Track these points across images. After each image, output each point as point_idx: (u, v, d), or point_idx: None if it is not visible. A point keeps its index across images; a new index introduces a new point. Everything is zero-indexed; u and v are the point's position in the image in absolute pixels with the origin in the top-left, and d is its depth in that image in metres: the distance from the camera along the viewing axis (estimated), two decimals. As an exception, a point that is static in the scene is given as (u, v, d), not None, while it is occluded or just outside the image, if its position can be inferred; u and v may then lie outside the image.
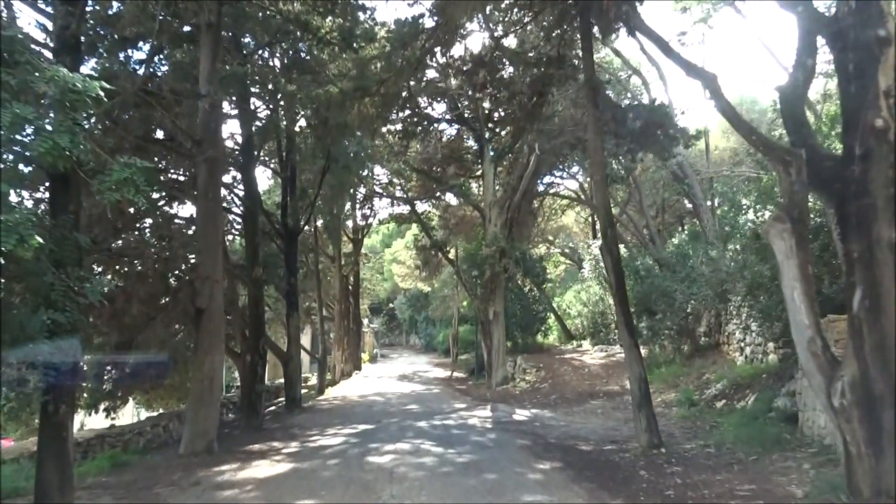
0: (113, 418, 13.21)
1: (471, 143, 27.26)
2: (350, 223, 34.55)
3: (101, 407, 12.91)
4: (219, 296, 10.83)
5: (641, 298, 29.69)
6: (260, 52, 14.15)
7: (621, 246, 32.84)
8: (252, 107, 12.76)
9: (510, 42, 14.93)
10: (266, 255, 17.86)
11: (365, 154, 17.53)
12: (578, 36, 10.98)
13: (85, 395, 12.03)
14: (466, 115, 23.80)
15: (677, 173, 24.62)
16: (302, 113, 10.82)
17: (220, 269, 11.06)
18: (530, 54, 11.98)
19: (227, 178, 16.98)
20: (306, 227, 22.93)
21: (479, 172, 27.44)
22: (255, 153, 15.72)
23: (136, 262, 10.45)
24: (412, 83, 23.03)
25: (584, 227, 42.53)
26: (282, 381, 19.71)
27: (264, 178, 25.49)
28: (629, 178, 29.74)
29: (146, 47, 10.77)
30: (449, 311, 53.71)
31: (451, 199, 31.69)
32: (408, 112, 24.63)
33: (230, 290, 14.99)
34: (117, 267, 11.32)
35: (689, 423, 12.73)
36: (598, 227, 38.79)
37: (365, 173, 26.18)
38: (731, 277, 18.08)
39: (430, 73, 22.52)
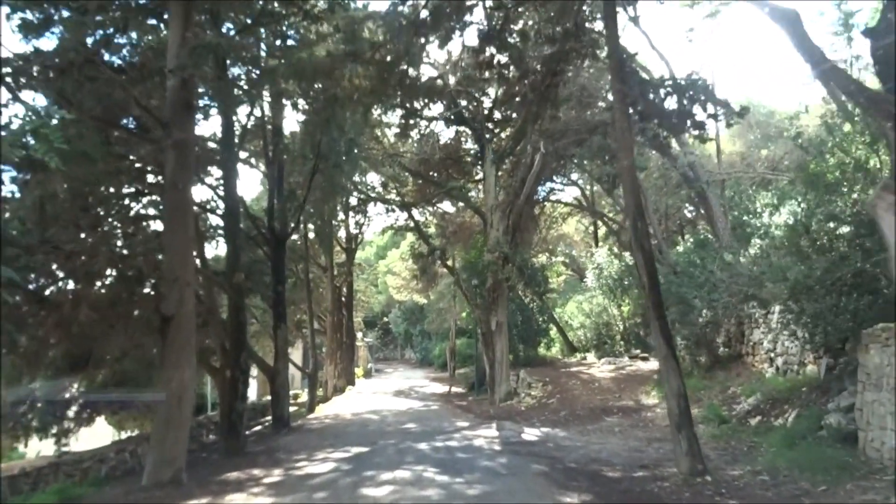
0: (64, 444, 11.62)
1: (469, 145, 26.02)
2: (343, 232, 33.17)
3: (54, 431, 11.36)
4: (189, 301, 9.38)
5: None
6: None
7: (626, 254, 31.71)
8: (233, 91, 11.30)
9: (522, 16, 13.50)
10: (251, 262, 16.44)
11: (357, 152, 16.14)
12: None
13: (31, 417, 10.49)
14: (466, 115, 22.50)
15: (688, 175, 23.33)
16: (286, 86, 9.42)
17: (192, 270, 9.62)
18: (545, 28, 10.74)
19: (210, 181, 15.63)
20: (295, 234, 21.57)
21: (478, 177, 26.18)
22: (236, 145, 14.29)
23: (92, 260, 9.02)
24: (408, 81, 21.93)
25: (584, 237, 41.35)
26: (271, 398, 18.15)
27: (252, 183, 24.13)
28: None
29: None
30: (446, 323, 52.21)
31: (448, 206, 30.48)
32: (403, 111, 23.45)
33: (209, 298, 13.55)
34: (71, 268, 9.85)
35: (723, 444, 11.38)
36: (600, 234, 37.81)
37: (357, 178, 24.86)
38: (754, 283, 16.80)
39: (427, 71, 21.33)
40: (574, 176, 32.44)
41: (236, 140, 14.51)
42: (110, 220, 11.48)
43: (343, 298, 33.28)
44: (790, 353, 13.73)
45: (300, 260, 21.92)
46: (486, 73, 15.04)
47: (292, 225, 17.83)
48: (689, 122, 9.41)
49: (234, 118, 14.09)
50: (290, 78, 9.27)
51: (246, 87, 10.28)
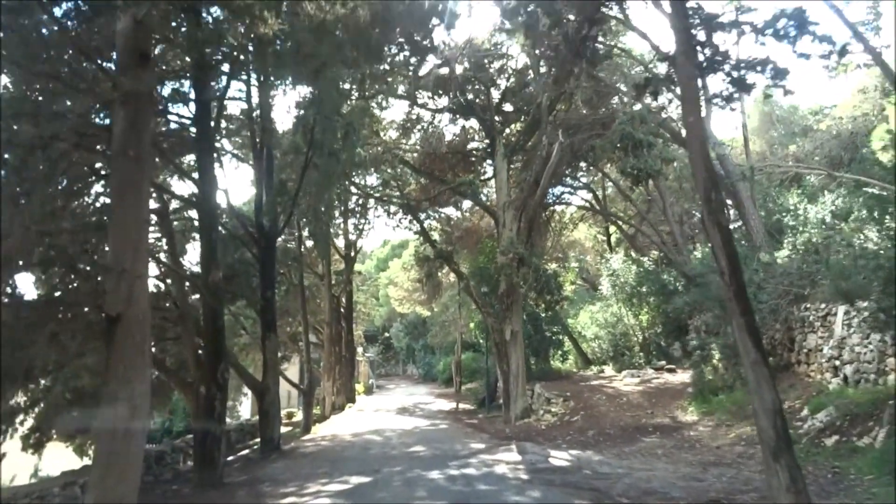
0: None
1: (476, 144, 24.17)
2: (341, 241, 31.22)
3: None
4: (142, 299, 7.39)
5: (674, 317, 26.52)
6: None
7: (645, 259, 29.79)
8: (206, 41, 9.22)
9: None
10: (236, 263, 14.48)
11: (355, 138, 14.27)
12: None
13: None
14: (475, 106, 20.67)
15: (716, 169, 21.43)
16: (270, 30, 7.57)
17: (144, 260, 7.65)
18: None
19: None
20: (287, 233, 19.66)
21: (485, 175, 24.31)
22: (212, 117, 12.32)
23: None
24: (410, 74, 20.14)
25: (595, 245, 39.43)
26: (259, 418, 16.05)
27: (240, 187, 22.17)
28: (649, 184, 26.74)
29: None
30: (450, 337, 50.15)
31: (453, 212, 28.61)
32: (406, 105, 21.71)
33: (182, 301, 11.62)
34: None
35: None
36: (612, 241, 35.89)
37: (356, 179, 22.96)
38: (805, 281, 14.89)
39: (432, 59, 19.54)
40: (585, 180, 30.73)
41: (214, 114, 12.54)
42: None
43: (342, 309, 31.22)
44: (863, 359, 11.74)
45: (292, 260, 19.89)
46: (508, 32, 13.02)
47: (283, 221, 15.85)
48: (768, 70, 7.47)
49: (213, 84, 12.15)
50: (270, 14, 7.35)
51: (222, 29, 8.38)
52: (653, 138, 19.36)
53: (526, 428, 17.51)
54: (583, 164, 27.72)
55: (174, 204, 13.72)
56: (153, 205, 11.85)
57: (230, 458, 15.40)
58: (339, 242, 31.93)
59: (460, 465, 11.63)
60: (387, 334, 73.06)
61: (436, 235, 26.36)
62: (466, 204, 28.23)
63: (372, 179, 25.38)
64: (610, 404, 17.70)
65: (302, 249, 20.72)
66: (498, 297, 19.54)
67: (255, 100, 15.71)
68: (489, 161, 21.81)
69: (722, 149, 21.20)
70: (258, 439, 16.91)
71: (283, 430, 22.58)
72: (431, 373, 57.62)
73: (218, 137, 14.28)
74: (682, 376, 20.30)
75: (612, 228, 35.36)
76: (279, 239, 17.53)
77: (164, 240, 12.88)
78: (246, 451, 15.89)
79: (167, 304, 12.58)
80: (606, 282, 29.01)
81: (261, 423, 15.16)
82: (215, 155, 13.48)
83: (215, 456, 10.72)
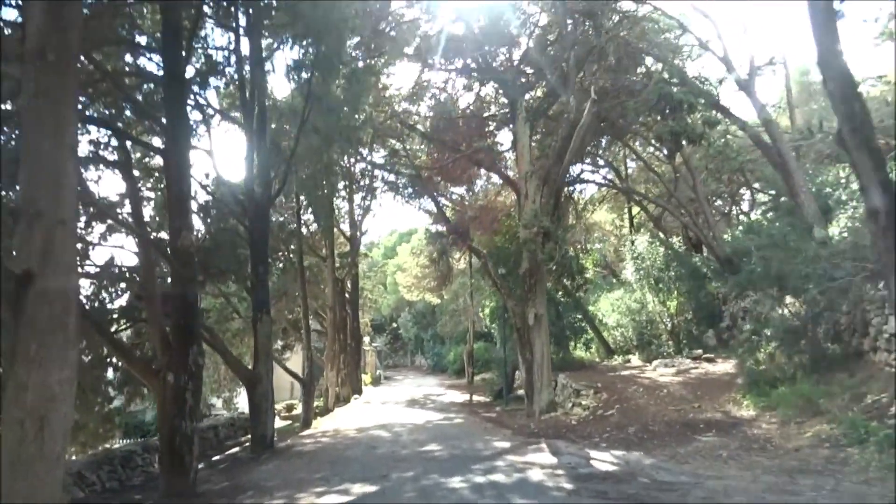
0: None
1: (493, 112, 22.08)
2: (346, 225, 29.22)
3: None
4: (65, 253, 5.43)
5: (706, 302, 24.49)
6: None
7: (674, 239, 27.72)
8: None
9: None
10: (220, 232, 12.51)
11: (360, 87, 12.25)
12: None
13: None
14: (491, 65, 18.60)
15: (761, 139, 19.30)
16: None
17: (71, 202, 5.66)
18: None
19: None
20: (287, 214, 17.73)
21: (502, 146, 22.24)
22: (182, 49, 10.21)
23: None
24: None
25: (614, 229, 37.34)
26: (249, 411, 14.09)
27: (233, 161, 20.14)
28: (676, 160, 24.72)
29: None
30: (460, 326, 48.18)
31: (464, 197, 26.55)
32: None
33: (148, 271, 9.67)
34: None
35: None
36: (635, 223, 33.75)
37: (362, 150, 20.93)
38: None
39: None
40: (604, 163, 28.79)
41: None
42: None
43: (347, 294, 29.22)
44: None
45: (291, 239, 17.86)
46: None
47: (277, 187, 13.81)
48: None
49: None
50: None
51: None
52: (694, 98, 17.27)
53: (554, 423, 15.54)
54: (604, 141, 25.80)
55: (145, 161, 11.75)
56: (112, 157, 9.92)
57: (216, 457, 13.48)
58: (345, 228, 30.03)
59: (486, 470, 9.63)
60: (395, 324, 71.32)
61: (448, 214, 24.32)
62: (481, 184, 26.28)
63: (378, 158, 23.44)
64: (648, 397, 15.65)
65: (302, 228, 18.54)
66: (520, 278, 17.50)
67: (244, 52, 13.75)
68: (509, 126, 19.63)
69: (766, 113, 19.07)
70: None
71: (282, 423, 20.67)
72: (441, 363, 55.74)
73: (196, 80, 12.22)
74: (724, 366, 18.22)
75: (635, 210, 33.34)
76: (276, 216, 15.61)
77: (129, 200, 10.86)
78: (236, 450, 13.99)
79: (125, 274, 10.67)
80: (630, 265, 27.00)
81: (252, 417, 13.22)
82: (193, 102, 11.49)
83: (186, 460, 8.75)
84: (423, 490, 8.30)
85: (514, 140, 18.92)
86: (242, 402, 29.35)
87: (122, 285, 11.78)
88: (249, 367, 13.73)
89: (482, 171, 21.75)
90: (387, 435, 15.06)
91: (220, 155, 64.66)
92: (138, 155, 11.93)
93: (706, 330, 23.83)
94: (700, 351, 21.43)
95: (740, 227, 24.80)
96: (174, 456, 8.74)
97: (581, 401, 16.46)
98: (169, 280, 10.17)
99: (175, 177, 9.25)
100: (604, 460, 10.33)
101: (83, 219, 10.67)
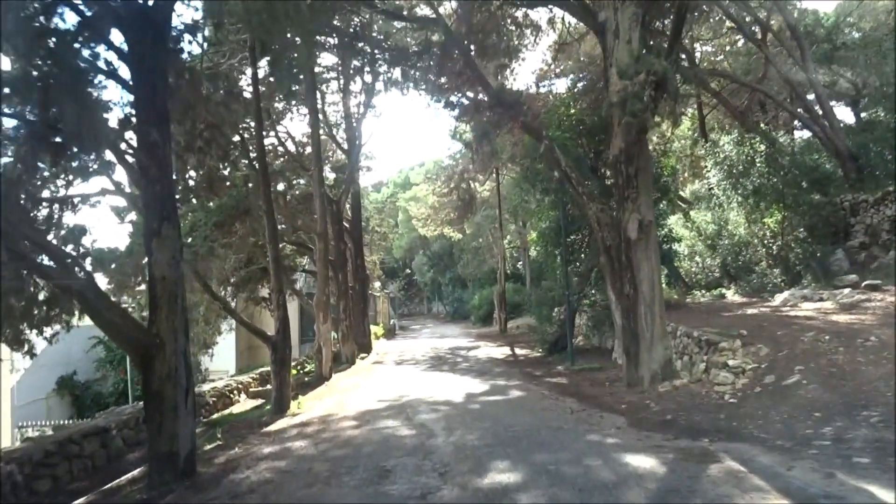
0: None
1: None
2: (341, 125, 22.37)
3: None
4: None
5: (828, 214, 18.11)
6: None
7: (780, 135, 20.88)
8: None
9: None
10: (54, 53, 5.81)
11: None
12: None
13: None
14: None
15: None
16: None
17: None
18: None
19: None
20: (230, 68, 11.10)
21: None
22: None
23: None
24: None
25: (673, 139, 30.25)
26: (144, 404, 7.52)
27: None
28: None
29: None
30: (485, 265, 41.72)
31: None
32: None
33: None
34: None
35: None
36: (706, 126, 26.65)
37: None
38: None
39: None
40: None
41: None
42: None
43: (346, 224, 22.48)
44: None
45: (240, 114, 10.84)
46: None
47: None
48: None
49: None
50: None
51: None
52: None
53: (689, 400, 9.04)
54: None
55: None
56: None
57: (88, 486, 7.10)
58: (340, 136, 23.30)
59: None
60: (408, 270, 65.18)
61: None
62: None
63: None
64: (845, 350, 9.00)
65: (256, 84, 11.32)
66: (613, 160, 10.70)
67: None
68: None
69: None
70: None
71: (249, 405, 14.42)
72: (462, 309, 49.53)
73: None
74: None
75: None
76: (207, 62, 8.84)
77: None
78: (133, 473, 7.57)
79: None
80: (714, 173, 20.42)
81: (147, 419, 6.76)
82: None
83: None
84: None
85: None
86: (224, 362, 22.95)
87: None
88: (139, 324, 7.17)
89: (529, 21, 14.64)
90: (407, 433, 8.59)
91: None
92: None
93: (833, 251, 17.25)
94: (854, 277, 14.74)
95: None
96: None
97: (722, 359, 9.88)
98: None
99: None
100: (857, 491, 3.84)
101: None
